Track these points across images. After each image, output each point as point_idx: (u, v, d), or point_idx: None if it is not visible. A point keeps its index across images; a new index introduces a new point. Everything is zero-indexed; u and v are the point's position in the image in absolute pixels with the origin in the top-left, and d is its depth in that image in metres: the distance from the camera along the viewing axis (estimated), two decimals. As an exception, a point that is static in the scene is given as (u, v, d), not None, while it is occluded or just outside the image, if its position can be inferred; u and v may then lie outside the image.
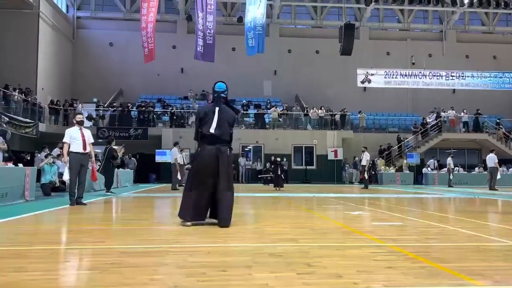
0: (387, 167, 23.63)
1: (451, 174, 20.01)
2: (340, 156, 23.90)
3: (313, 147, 24.29)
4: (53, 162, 11.88)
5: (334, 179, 23.76)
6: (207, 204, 5.09)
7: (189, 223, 6.22)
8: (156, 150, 21.99)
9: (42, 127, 20.70)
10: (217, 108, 5.03)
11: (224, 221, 4.94)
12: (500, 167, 18.17)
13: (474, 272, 2.89)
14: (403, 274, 2.83)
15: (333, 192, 13.74)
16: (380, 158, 23.89)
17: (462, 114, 26.13)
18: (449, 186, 19.66)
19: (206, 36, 17.24)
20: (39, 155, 15.90)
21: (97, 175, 10.42)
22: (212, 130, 4.91)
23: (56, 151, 14.36)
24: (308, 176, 23.58)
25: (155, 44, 18.11)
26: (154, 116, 24.31)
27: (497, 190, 16.01)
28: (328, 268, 2.99)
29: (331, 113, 25.26)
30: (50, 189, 10.88)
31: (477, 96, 27.64)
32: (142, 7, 18.41)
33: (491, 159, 17.05)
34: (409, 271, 2.93)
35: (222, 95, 5.19)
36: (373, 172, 22.97)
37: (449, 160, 20.11)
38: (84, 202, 8.27)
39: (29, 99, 20.27)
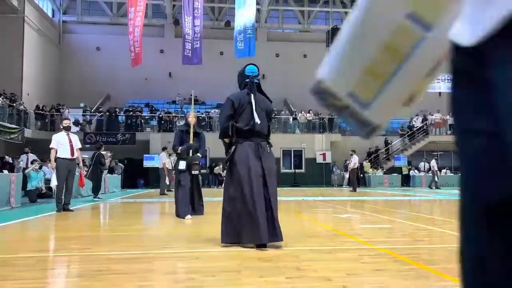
0: (374, 170, 23.82)
1: (435, 176, 20.29)
2: (328, 159, 24.02)
3: (301, 150, 24.37)
4: (40, 168, 11.74)
5: (323, 182, 23.86)
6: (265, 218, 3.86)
7: (189, 216, 6.49)
8: (144, 155, 21.86)
9: (27, 132, 20.42)
10: (252, 96, 4.14)
11: (278, 237, 3.90)
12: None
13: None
14: (392, 277, 2.85)
15: (322, 195, 13.80)
16: (366, 161, 24.08)
17: (448, 116, 26.47)
18: (435, 188, 19.90)
19: (194, 40, 17.24)
20: (20, 161, 15.57)
21: (84, 181, 10.32)
22: (257, 121, 4.01)
23: (23, 157, 14.19)
24: (297, 179, 23.63)
25: (141, 48, 18.05)
26: (142, 121, 24.15)
27: (483, 191, 16.22)
28: (317, 272, 2.99)
29: (319, 116, 25.39)
30: (36, 196, 10.73)
31: (462, 99, 28.03)
32: (129, 12, 18.34)
33: (477, 161, 17.29)
34: (398, 273, 2.95)
35: (255, 80, 4.25)
36: (361, 175, 23.15)
37: (433, 163, 20.45)
38: (71, 208, 8.17)
39: (15, 104, 20.00)
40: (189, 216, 6.49)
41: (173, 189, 16.46)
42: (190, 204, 6.71)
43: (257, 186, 3.88)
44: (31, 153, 14.65)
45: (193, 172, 6.59)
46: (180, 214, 6.63)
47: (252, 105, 4.06)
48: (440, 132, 26.38)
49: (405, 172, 23.68)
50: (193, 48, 17.30)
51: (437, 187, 19.92)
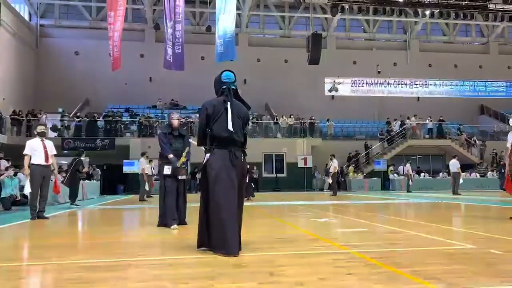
0: (355, 174, 24.04)
1: (409, 180, 20.62)
2: (309, 164, 24.17)
3: (283, 155, 24.46)
4: (15, 175, 11.49)
5: (304, 186, 23.97)
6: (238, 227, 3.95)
7: (175, 226, 6.04)
8: (124, 161, 21.59)
9: (3, 138, 19.97)
10: (229, 103, 4.03)
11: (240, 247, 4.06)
12: (462, 172, 18.81)
13: (430, 276, 2.98)
14: (362, 280, 2.89)
15: (302, 200, 13.86)
16: (351, 166, 24.30)
17: (427, 121, 26.96)
18: (408, 191, 20.21)
19: (175, 45, 17.16)
20: None
21: (59, 188, 10.14)
22: (230, 128, 3.92)
23: None
24: (278, 184, 23.69)
25: (120, 52, 17.88)
26: (122, 126, 23.87)
27: (460, 194, 16.56)
28: (290, 277, 3.01)
29: (300, 121, 25.55)
30: (10, 203, 10.49)
31: (440, 103, 28.63)
32: (109, 16, 18.15)
33: (454, 165, 17.65)
34: (368, 277, 2.99)
35: (232, 86, 4.16)
36: (342, 179, 23.34)
37: (408, 166, 20.80)
38: (46, 215, 8.02)
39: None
40: (175, 226, 6.06)
41: (153, 195, 16.28)
42: (176, 212, 6.28)
43: (230, 196, 3.91)
44: (4, 159, 14.27)
45: (179, 177, 6.32)
46: (165, 223, 6.17)
47: (228, 113, 3.98)
48: (418, 136, 26.85)
49: (391, 176, 23.81)
50: (174, 53, 17.22)
51: (409, 191, 20.22)
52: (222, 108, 4.00)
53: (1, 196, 10.58)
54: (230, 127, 3.93)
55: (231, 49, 17.38)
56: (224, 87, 4.13)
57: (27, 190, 7.99)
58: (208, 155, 4.00)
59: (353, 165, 24.53)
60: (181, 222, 6.38)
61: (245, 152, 4.14)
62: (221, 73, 4.26)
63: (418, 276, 2.96)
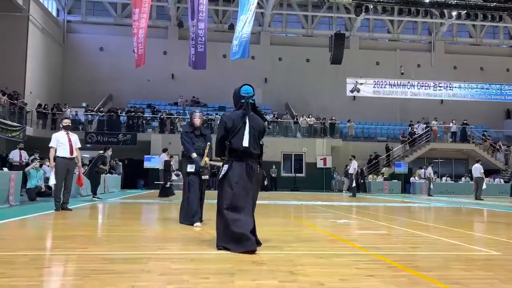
0: (375, 176, 23.74)
1: (431, 183, 20.27)
2: (329, 164, 24.02)
3: (302, 155, 24.38)
4: (40, 166, 11.78)
5: (323, 187, 23.84)
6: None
7: (198, 223, 6.07)
8: (145, 156, 21.88)
9: (29, 131, 20.48)
10: (247, 118, 4.21)
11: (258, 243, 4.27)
12: (486, 178, 18.39)
13: (452, 281, 2.93)
14: (384, 283, 2.86)
15: (321, 200, 13.79)
16: (385, 167, 24.08)
17: (450, 124, 26.45)
18: (429, 195, 19.86)
19: (198, 43, 17.25)
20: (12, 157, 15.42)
21: (83, 180, 10.34)
22: (246, 144, 4.11)
23: (15, 153, 14.17)
24: (297, 184, 23.62)
25: (145, 49, 18.08)
26: (143, 122, 24.19)
27: (482, 199, 16.20)
28: (310, 276, 3.00)
29: (320, 121, 25.40)
30: (35, 194, 10.76)
31: (464, 107, 28.04)
32: (133, 13, 18.37)
33: (477, 169, 17.28)
34: (390, 279, 2.96)
35: (251, 100, 4.33)
36: (361, 181, 23.11)
37: (429, 170, 20.45)
38: (70, 207, 8.19)
39: (16, 102, 20.05)
40: (198, 224, 5.97)
41: (174, 192, 16.43)
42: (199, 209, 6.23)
43: (247, 202, 4.11)
44: (25, 150, 14.60)
45: (203, 177, 6.31)
46: (189, 220, 6.10)
47: (246, 127, 4.16)
48: (442, 139, 26.35)
49: (412, 179, 23.39)
50: (197, 52, 17.31)
51: (429, 194, 19.87)
52: (241, 122, 4.20)
53: (27, 187, 10.86)
54: (245, 143, 4.12)
55: (246, 48, 17.34)
56: (243, 101, 4.31)
57: (52, 182, 8.18)
58: (226, 166, 4.21)
59: (387, 166, 24.30)
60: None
61: (261, 164, 4.35)
62: (241, 87, 4.40)
63: (441, 281, 2.92)
